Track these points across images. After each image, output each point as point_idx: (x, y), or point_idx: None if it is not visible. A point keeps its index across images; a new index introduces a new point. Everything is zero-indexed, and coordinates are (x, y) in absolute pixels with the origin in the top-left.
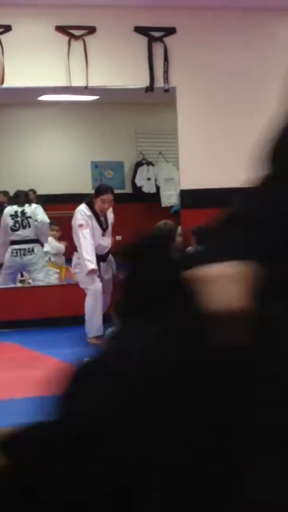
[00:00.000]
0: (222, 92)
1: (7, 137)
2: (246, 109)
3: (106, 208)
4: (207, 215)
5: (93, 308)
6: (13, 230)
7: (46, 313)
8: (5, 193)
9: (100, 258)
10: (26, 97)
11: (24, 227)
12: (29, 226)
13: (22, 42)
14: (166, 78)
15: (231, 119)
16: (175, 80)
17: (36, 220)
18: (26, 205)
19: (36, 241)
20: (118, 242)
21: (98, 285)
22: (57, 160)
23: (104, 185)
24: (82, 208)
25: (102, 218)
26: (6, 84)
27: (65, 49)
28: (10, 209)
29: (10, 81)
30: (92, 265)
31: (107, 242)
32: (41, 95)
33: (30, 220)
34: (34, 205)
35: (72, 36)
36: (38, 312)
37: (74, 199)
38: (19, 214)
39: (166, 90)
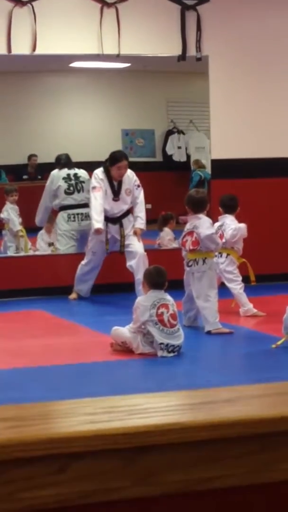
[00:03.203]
0: (255, 61)
1: (38, 104)
2: (279, 78)
3: (122, 174)
4: (238, 185)
5: (83, 273)
6: (67, 193)
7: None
8: (35, 156)
9: (110, 220)
10: (58, 64)
11: (78, 191)
12: (83, 190)
13: (54, 9)
14: (198, 47)
15: (263, 88)
16: (207, 49)
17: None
18: (75, 168)
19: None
20: (148, 210)
21: (98, 257)
22: (87, 128)
23: (118, 152)
24: (97, 172)
25: (115, 183)
26: (38, 51)
27: (97, 17)
28: (61, 172)
29: (42, 48)
30: (99, 224)
31: (119, 208)
32: (73, 62)
33: (84, 184)
34: (82, 170)
35: (104, 4)
36: (66, 280)
37: None
38: (72, 177)
39: (199, 59)
